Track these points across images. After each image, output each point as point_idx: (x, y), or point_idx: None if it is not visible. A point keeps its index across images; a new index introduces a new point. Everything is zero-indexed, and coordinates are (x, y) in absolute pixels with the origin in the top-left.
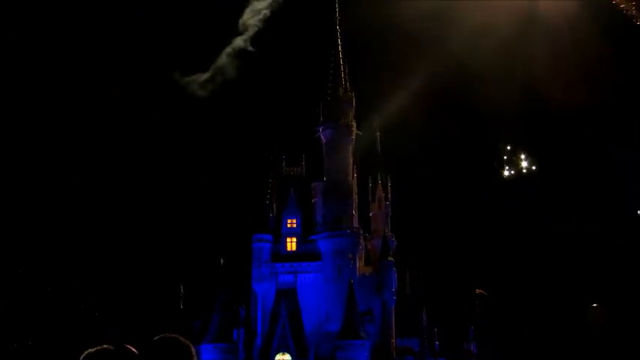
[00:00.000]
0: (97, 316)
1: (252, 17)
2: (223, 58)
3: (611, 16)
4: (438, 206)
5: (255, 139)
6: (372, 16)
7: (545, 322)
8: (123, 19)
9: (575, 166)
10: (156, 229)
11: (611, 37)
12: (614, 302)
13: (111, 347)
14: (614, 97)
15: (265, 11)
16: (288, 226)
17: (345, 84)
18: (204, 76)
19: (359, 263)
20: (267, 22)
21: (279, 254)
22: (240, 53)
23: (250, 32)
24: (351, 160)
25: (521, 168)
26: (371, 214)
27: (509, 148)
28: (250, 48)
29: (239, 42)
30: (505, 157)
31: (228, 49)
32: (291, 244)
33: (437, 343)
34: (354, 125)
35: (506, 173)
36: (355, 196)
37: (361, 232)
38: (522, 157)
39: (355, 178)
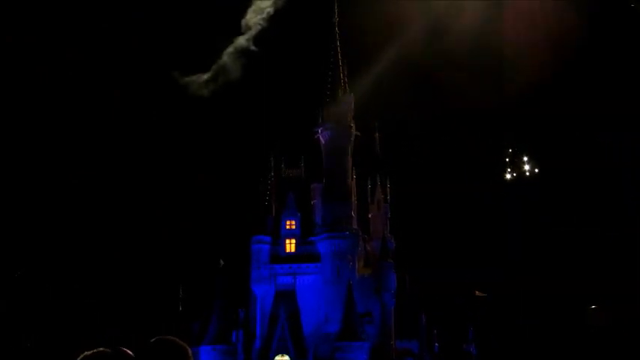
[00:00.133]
0: (97, 317)
1: (256, 16)
2: (224, 58)
3: None
4: (438, 208)
5: (255, 141)
6: (372, 17)
7: (545, 323)
8: (123, 19)
9: (575, 168)
10: (155, 230)
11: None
12: (614, 303)
13: (107, 350)
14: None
15: (269, 9)
16: (287, 227)
17: (344, 85)
18: (205, 76)
19: (358, 265)
20: (270, 20)
21: (278, 256)
22: (241, 54)
23: (253, 31)
24: (350, 162)
25: (524, 171)
26: (370, 216)
27: (511, 150)
28: (253, 47)
29: (241, 41)
30: (507, 160)
31: (230, 49)
32: (290, 245)
33: (436, 344)
34: (353, 126)
35: (508, 176)
36: (354, 198)
37: (360, 233)
38: (525, 159)
39: (354, 180)
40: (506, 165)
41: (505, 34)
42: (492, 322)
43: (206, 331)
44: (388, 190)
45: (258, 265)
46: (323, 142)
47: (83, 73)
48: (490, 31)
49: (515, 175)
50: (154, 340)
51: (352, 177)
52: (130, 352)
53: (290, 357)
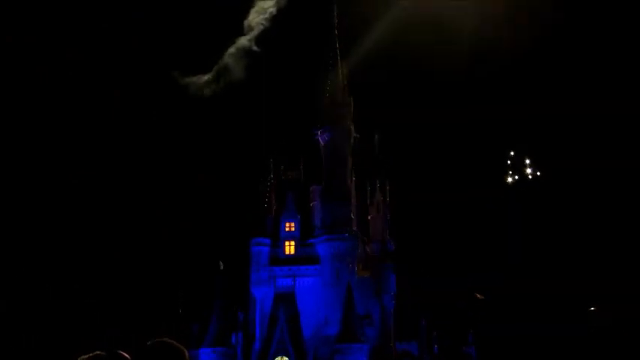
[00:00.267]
0: (97, 319)
1: (258, 17)
2: (226, 59)
3: None
4: (437, 210)
5: (254, 142)
6: (371, 19)
7: (545, 325)
8: (123, 19)
9: (575, 170)
10: (155, 232)
11: None
12: (614, 305)
13: (103, 353)
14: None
15: (272, 9)
16: (287, 229)
17: (344, 87)
18: (205, 77)
19: (358, 267)
20: (272, 20)
21: (278, 258)
22: (242, 54)
23: (255, 32)
24: (349, 164)
25: (526, 174)
26: (369, 218)
27: (512, 153)
28: (255, 48)
29: (243, 42)
30: (509, 162)
31: (232, 50)
32: (290, 247)
33: (436, 346)
34: (353, 128)
35: (509, 179)
36: (354, 200)
37: (360, 235)
38: (527, 162)
39: (354, 182)
40: (507, 167)
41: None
42: (492, 324)
43: (205, 334)
44: (387, 192)
45: (257, 267)
46: (322, 143)
47: (83, 73)
48: (489, 30)
49: (516, 177)
50: (150, 342)
51: (352, 179)
52: (127, 355)
53: (289, 359)
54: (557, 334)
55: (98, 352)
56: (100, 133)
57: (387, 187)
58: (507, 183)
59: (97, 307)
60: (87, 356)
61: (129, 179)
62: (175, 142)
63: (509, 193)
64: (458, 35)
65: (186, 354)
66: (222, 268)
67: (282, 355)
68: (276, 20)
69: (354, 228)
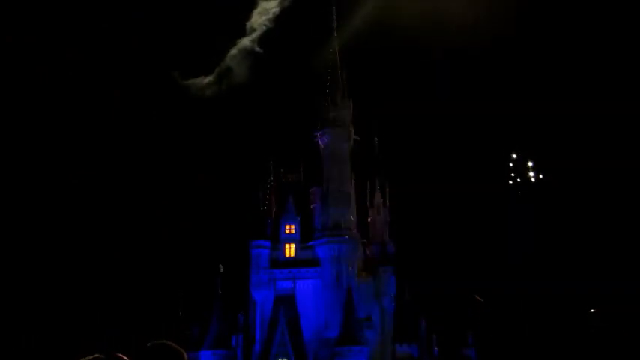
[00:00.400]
0: (97, 321)
1: (261, 17)
2: (227, 61)
3: None
4: (438, 212)
5: (254, 144)
6: (371, 20)
7: (545, 327)
8: (123, 19)
9: (576, 171)
10: (155, 233)
11: None
12: (614, 307)
13: (102, 356)
14: None
15: (275, 10)
16: (287, 232)
17: (343, 89)
18: (207, 79)
19: (358, 269)
20: (275, 21)
21: (278, 260)
22: (244, 56)
23: (258, 33)
24: (349, 166)
25: (529, 177)
26: (369, 220)
27: (515, 156)
28: (257, 49)
29: (245, 43)
30: (511, 165)
31: (234, 51)
32: (290, 250)
33: (436, 349)
34: (352, 130)
35: (511, 182)
36: (353, 202)
37: (360, 237)
38: (530, 165)
39: (354, 184)
40: (510, 170)
41: None
42: (492, 326)
43: (206, 336)
44: (387, 194)
45: (257, 269)
46: (322, 146)
47: (83, 73)
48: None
49: (519, 180)
50: (150, 344)
51: (351, 181)
52: (126, 358)
53: None
54: (557, 335)
55: (97, 355)
56: (100, 133)
57: (387, 189)
58: (509, 185)
59: (97, 309)
60: (86, 359)
61: (129, 180)
62: (176, 144)
63: (511, 196)
64: (460, 33)
65: (185, 356)
66: (222, 270)
67: (283, 357)
68: (277, 23)
69: (354, 230)
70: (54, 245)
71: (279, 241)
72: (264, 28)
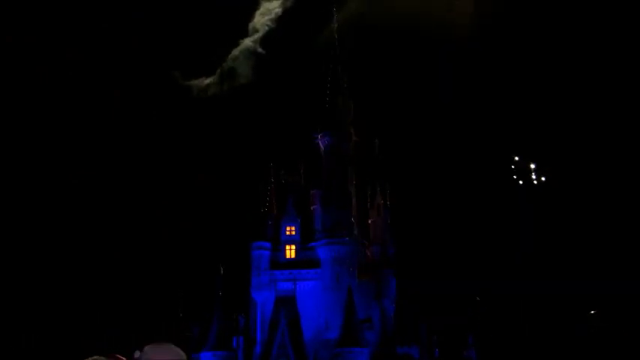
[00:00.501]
0: (98, 323)
1: (263, 18)
2: (229, 62)
3: None
4: (438, 213)
5: (254, 146)
6: (371, 22)
7: (545, 329)
8: (123, 19)
9: (575, 174)
10: (156, 235)
11: None
12: (614, 309)
13: (102, 358)
14: None
15: (277, 10)
16: (287, 233)
17: (344, 91)
18: (207, 80)
19: (358, 270)
20: (278, 21)
21: (278, 262)
22: (246, 57)
23: (260, 33)
24: (349, 167)
25: (532, 179)
26: (370, 222)
27: (517, 159)
28: (260, 50)
29: (247, 43)
30: (513, 167)
31: (235, 52)
32: (290, 251)
33: (436, 350)
34: (353, 132)
35: (514, 184)
36: (354, 204)
37: (360, 239)
38: (532, 167)
39: (354, 185)
40: (512, 172)
41: None
42: (492, 327)
43: (206, 337)
44: (388, 195)
45: (258, 271)
46: (323, 147)
47: (83, 73)
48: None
49: (521, 182)
50: (149, 345)
51: (352, 182)
52: (124, 359)
53: None
54: (558, 337)
55: (96, 357)
56: (100, 134)
57: (388, 191)
58: (511, 187)
59: (97, 311)
60: None
61: (130, 181)
62: (176, 145)
63: (513, 198)
64: (463, 33)
65: (185, 357)
66: (222, 271)
67: (283, 358)
68: (282, 21)
69: (355, 232)
70: (54, 245)
71: (279, 242)
72: (267, 28)
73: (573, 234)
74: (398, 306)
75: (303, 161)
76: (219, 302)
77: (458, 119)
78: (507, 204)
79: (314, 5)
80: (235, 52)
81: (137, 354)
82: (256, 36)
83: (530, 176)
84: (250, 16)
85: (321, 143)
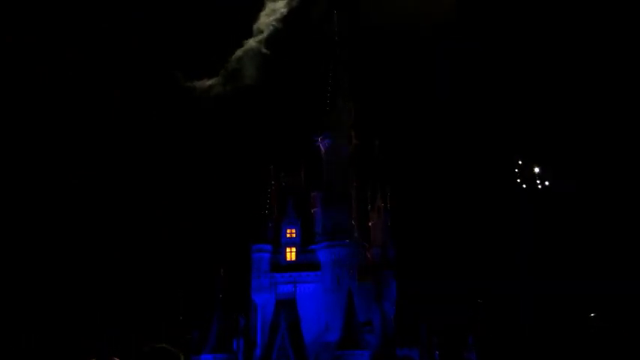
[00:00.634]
0: (98, 326)
1: (268, 18)
2: (232, 63)
3: None
4: (438, 215)
5: (255, 148)
6: (371, 24)
7: (546, 330)
8: (124, 20)
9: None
10: (156, 237)
11: None
12: (614, 310)
13: None
14: None
15: (283, 10)
16: (288, 236)
17: (344, 92)
18: (210, 81)
19: (358, 273)
20: (283, 21)
21: (279, 264)
22: (249, 58)
23: (265, 33)
24: (350, 169)
25: (536, 183)
26: (370, 224)
27: (520, 162)
28: (264, 50)
29: (252, 44)
30: (516, 170)
31: (239, 53)
32: (291, 254)
33: (437, 352)
34: (353, 134)
35: (517, 186)
36: (354, 206)
37: (360, 241)
38: (536, 170)
39: (354, 188)
40: (515, 176)
41: None
42: (493, 329)
43: (206, 340)
44: (388, 197)
45: (258, 273)
46: (323, 150)
47: (83, 73)
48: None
49: (524, 186)
50: (147, 348)
51: (352, 185)
52: None
53: None
54: (558, 338)
55: None
56: (100, 134)
57: (388, 193)
58: (513, 191)
59: (98, 312)
60: None
61: (131, 183)
62: (176, 146)
63: (514, 200)
64: (465, 35)
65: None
66: (222, 274)
67: None
68: (287, 21)
69: (355, 234)
70: (54, 246)
71: (280, 245)
72: (272, 28)
73: (573, 235)
74: (398, 308)
75: (304, 163)
76: (219, 304)
77: (459, 121)
78: (508, 206)
79: (318, 6)
80: (239, 52)
81: None
82: (261, 36)
83: (535, 180)
84: (253, 17)
85: (322, 145)
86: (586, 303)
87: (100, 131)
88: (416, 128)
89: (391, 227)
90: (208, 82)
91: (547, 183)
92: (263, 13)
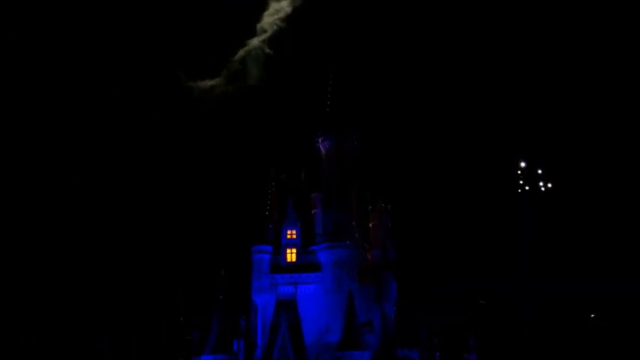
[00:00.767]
0: (99, 327)
1: (272, 18)
2: (235, 64)
3: None
4: (439, 216)
5: (255, 149)
6: (372, 24)
7: (546, 331)
8: (124, 19)
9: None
10: (156, 238)
11: None
12: (614, 311)
13: None
14: None
15: (287, 9)
16: (288, 237)
17: (345, 93)
18: (212, 81)
19: (359, 274)
20: (287, 20)
21: (279, 265)
22: (252, 58)
23: (269, 33)
24: (350, 171)
25: (539, 185)
26: (371, 225)
27: (524, 165)
28: (268, 50)
29: (255, 43)
30: (519, 172)
31: (242, 52)
32: (291, 255)
33: (437, 353)
34: (354, 135)
35: (519, 189)
36: (355, 207)
37: (361, 242)
38: (540, 172)
39: (355, 189)
40: (517, 178)
41: None
42: (493, 330)
43: (206, 341)
44: (388, 198)
45: (259, 274)
46: (323, 151)
47: (83, 73)
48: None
49: (527, 188)
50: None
51: (353, 186)
52: None
53: None
54: (558, 339)
55: None
56: (100, 134)
57: (388, 194)
58: (515, 192)
59: (98, 312)
60: None
61: (131, 184)
62: (178, 147)
63: (515, 202)
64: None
65: None
66: (222, 275)
67: None
68: (291, 20)
69: (356, 235)
70: (54, 246)
71: (280, 246)
72: (276, 27)
73: (574, 235)
74: (399, 309)
75: (304, 165)
76: (219, 305)
77: (459, 121)
78: (508, 207)
79: (321, 6)
80: (242, 52)
81: None
82: (264, 36)
83: (537, 182)
84: (256, 17)
85: (322, 147)
86: (586, 303)
87: (100, 131)
88: (416, 128)
89: (392, 228)
90: (210, 83)
91: (550, 185)
92: (267, 13)
